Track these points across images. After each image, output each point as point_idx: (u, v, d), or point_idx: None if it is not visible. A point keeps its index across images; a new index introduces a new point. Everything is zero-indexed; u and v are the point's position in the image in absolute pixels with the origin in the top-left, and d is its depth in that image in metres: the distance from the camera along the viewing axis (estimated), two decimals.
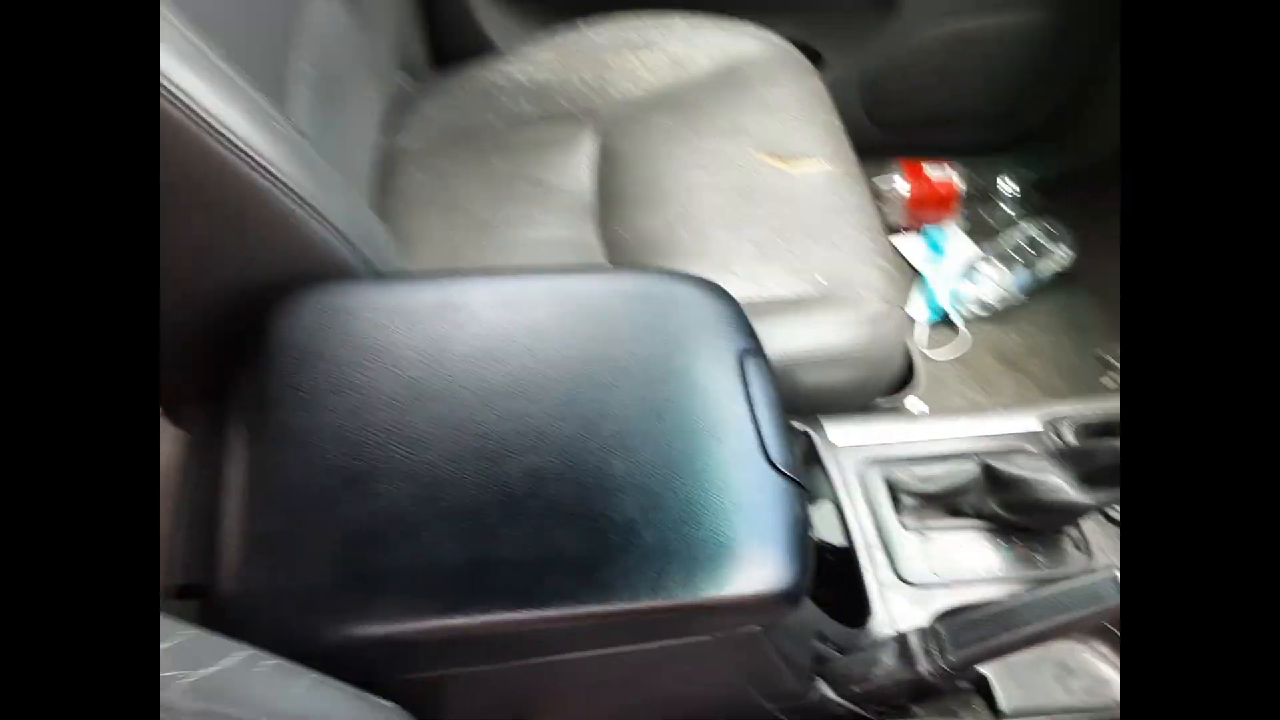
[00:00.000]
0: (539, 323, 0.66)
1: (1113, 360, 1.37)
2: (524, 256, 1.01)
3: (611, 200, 1.08)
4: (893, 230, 1.53)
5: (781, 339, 0.91)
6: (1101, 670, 0.78)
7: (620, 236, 1.04)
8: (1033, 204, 1.54)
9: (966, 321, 1.44)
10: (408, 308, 0.66)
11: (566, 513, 0.56)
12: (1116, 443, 0.77)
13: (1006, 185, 1.54)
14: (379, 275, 0.70)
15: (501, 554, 0.54)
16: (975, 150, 1.57)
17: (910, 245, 1.52)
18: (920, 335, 1.43)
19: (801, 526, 0.60)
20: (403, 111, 1.17)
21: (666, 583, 0.55)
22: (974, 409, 0.93)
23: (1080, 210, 1.52)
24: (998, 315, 1.45)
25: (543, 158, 1.13)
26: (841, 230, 1.01)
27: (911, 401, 1.34)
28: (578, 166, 1.12)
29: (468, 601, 0.53)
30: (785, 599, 0.57)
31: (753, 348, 0.69)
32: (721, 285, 0.73)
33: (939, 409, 1.33)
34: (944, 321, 1.44)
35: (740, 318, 0.70)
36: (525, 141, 1.14)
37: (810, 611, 0.72)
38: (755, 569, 0.57)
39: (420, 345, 0.64)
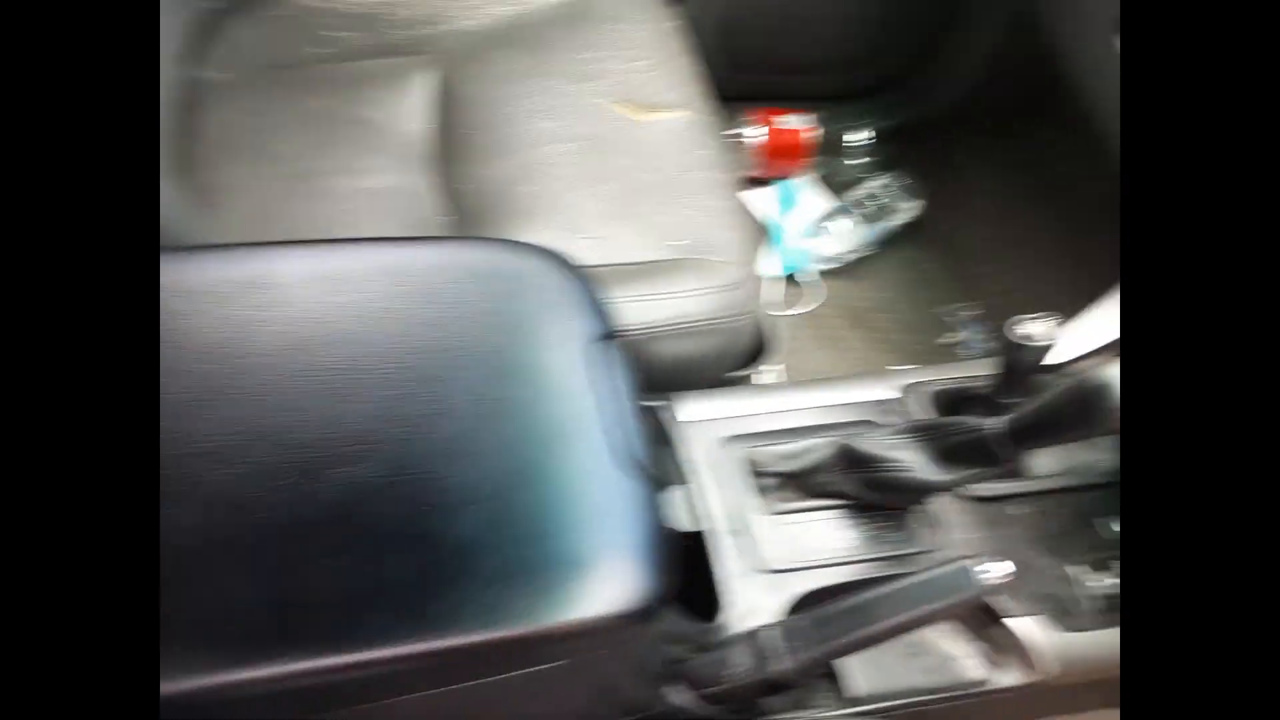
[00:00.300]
0: (363, 305, 0.58)
1: (953, 321, 1.39)
2: (348, 211, 0.91)
3: (450, 147, 0.98)
4: (746, 182, 1.50)
5: (634, 309, 0.85)
6: (948, 648, 0.78)
7: (459, 189, 0.95)
8: (882, 155, 1.53)
9: (818, 276, 1.43)
10: (204, 288, 0.56)
11: (393, 535, 0.49)
12: (970, 420, 0.76)
13: (857, 136, 1.53)
14: (167, 247, 0.60)
15: (315, 589, 0.47)
16: (827, 99, 1.54)
17: (763, 198, 1.49)
18: (773, 291, 1.40)
19: (661, 534, 0.55)
20: (207, 39, 1.03)
21: (509, 611, 0.49)
22: (829, 378, 0.91)
23: (926, 162, 1.53)
24: (848, 270, 1.44)
25: (371, 96, 1.01)
26: (698, 187, 0.96)
27: (766, 365, 1.32)
28: (412, 107, 1.01)
29: (275, 648, 0.45)
30: (645, 616, 0.52)
31: (606, 330, 0.63)
32: (571, 251, 0.66)
33: (792, 369, 1.32)
34: (795, 277, 1.42)
35: (592, 295, 0.64)
36: (351, 77, 1.02)
37: (668, 617, 0.68)
38: (611, 586, 0.52)
39: (218, 335, 0.54)
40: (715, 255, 0.91)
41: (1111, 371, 0.65)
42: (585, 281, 0.64)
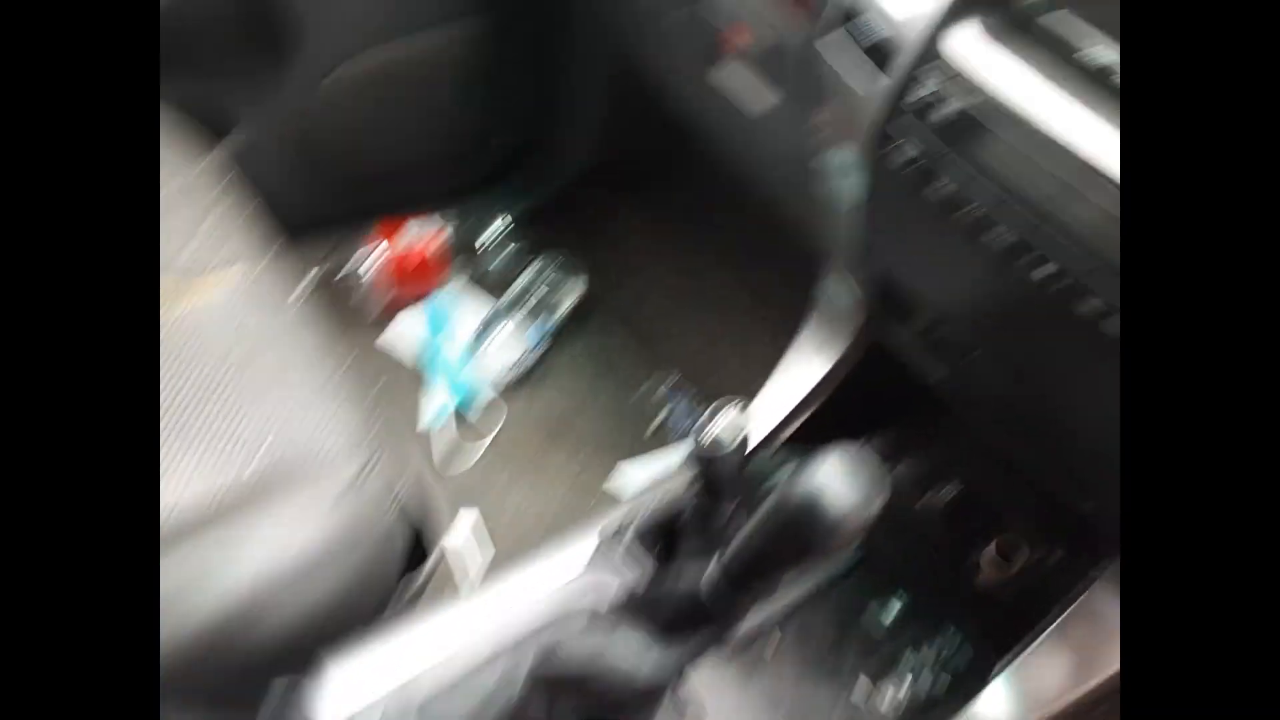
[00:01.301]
0: None
1: (655, 400, 1.25)
2: None
3: None
4: (380, 316, 1.28)
5: (214, 576, 0.61)
6: None
7: None
8: (528, 240, 1.37)
9: (495, 395, 1.23)
10: None
11: None
12: (680, 583, 0.58)
13: (494, 228, 1.36)
14: None
15: None
16: (450, 197, 1.36)
17: (408, 326, 1.28)
18: (442, 437, 1.19)
19: None
20: None
21: None
22: (503, 568, 0.71)
23: (577, 235, 1.39)
24: (526, 378, 1.26)
25: None
26: (278, 368, 0.73)
27: (465, 519, 1.10)
28: None
29: None
30: None
31: None
32: None
33: (490, 516, 1.11)
34: (469, 405, 1.22)
35: None
36: None
37: None
38: None
39: None
40: (316, 454, 0.68)
41: (816, 479, 0.50)
42: None
